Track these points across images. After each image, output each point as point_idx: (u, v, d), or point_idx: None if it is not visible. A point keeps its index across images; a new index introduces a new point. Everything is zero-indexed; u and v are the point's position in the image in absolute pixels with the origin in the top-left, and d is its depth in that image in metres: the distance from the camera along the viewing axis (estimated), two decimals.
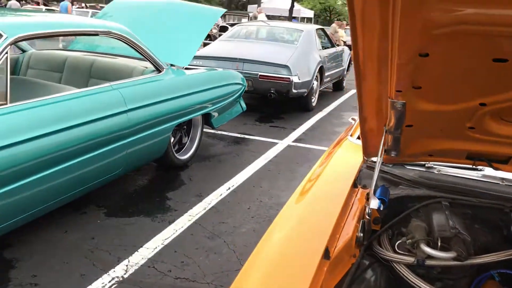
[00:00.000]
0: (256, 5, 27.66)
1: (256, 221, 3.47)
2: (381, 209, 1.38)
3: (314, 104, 7.69)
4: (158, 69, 3.93)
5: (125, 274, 2.65)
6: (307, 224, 1.46)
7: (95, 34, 3.36)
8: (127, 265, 2.74)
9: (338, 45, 9.98)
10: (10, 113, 2.54)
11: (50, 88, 3.21)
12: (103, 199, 3.59)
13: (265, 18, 14.33)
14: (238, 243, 3.11)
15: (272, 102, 7.47)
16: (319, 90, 7.93)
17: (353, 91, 10.32)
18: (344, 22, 19.02)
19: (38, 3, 24.83)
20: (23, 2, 34.33)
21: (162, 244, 3.01)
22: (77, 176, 2.96)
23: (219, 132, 5.76)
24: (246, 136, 5.81)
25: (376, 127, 1.39)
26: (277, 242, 1.39)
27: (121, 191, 3.81)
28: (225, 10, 5.56)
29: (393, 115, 1.24)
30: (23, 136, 2.53)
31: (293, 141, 5.75)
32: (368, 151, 1.63)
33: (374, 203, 1.36)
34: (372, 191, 1.40)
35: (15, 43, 2.65)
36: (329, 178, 1.82)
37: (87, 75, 4.03)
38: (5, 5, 22.03)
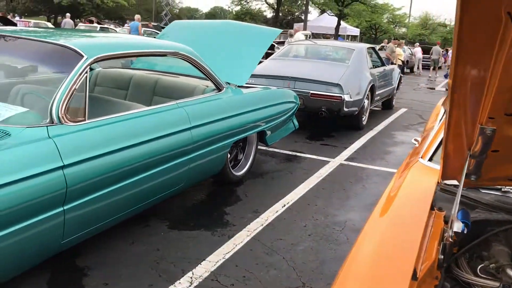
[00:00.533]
0: (303, 23, 27.88)
1: (313, 239, 3.49)
2: (465, 232, 1.40)
3: (364, 122, 7.66)
4: (218, 87, 4.06)
5: (190, 286, 2.74)
6: (392, 245, 1.48)
7: (164, 54, 3.53)
8: (191, 277, 2.82)
9: (395, 64, 9.99)
10: (88, 129, 2.71)
11: (120, 106, 3.38)
12: (165, 212, 3.72)
13: (302, 37, 14.37)
14: (297, 260, 3.15)
15: (322, 120, 7.49)
16: (370, 109, 7.90)
17: (403, 109, 10.21)
18: (403, 41, 19.01)
19: (91, 21, 25.94)
20: (77, 20, 35.99)
21: (223, 258, 3.09)
22: (144, 190, 3.09)
23: (271, 149, 5.84)
24: (298, 154, 5.86)
25: (459, 151, 1.41)
26: (364, 263, 1.42)
27: (181, 205, 3.93)
28: (281, 30, 5.67)
29: (481, 140, 1.26)
30: (99, 151, 2.69)
31: (345, 160, 5.75)
32: (446, 174, 1.65)
33: (458, 226, 1.37)
34: (455, 214, 1.41)
35: (93, 63, 2.82)
36: (405, 200, 1.84)
37: (151, 93, 4.22)
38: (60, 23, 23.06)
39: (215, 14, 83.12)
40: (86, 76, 2.76)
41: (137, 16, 17.40)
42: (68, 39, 3.06)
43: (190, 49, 3.76)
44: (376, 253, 1.44)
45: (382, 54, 11.52)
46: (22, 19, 26.13)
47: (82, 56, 2.75)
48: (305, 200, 4.28)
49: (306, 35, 22.99)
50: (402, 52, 15.12)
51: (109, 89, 4.32)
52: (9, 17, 23.16)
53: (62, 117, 2.58)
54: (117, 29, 24.46)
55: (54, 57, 2.95)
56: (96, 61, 2.84)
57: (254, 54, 4.84)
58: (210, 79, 3.96)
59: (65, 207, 2.51)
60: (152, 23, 27.99)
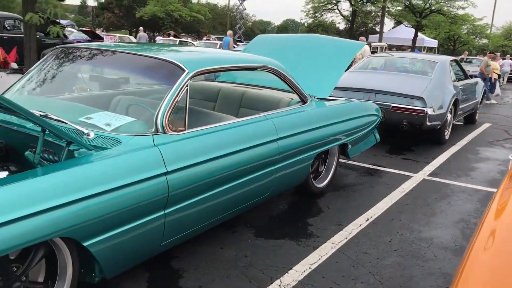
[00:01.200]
0: (378, 35, 27.44)
1: (400, 254, 3.44)
2: None
3: (447, 137, 7.41)
4: (303, 100, 4.14)
5: None
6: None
7: (255, 68, 3.67)
8: (279, 285, 2.89)
9: (490, 78, 9.66)
10: (188, 139, 2.87)
11: (213, 117, 3.55)
12: (250, 220, 3.83)
13: (368, 51, 14.06)
14: (384, 275, 3.12)
15: (401, 133, 7.33)
16: (452, 123, 7.63)
17: (487, 124, 9.74)
18: (498, 54, 18.29)
19: (169, 35, 27.08)
20: (156, 34, 37.73)
21: (309, 268, 3.13)
22: (234, 197, 3.22)
23: (350, 162, 5.81)
24: (378, 168, 5.78)
25: None
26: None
27: (265, 214, 4.03)
28: (365, 43, 5.67)
29: None
30: (197, 159, 2.84)
31: (428, 175, 5.59)
32: None
33: None
34: None
35: (194, 77, 3.00)
36: None
37: (238, 104, 4.38)
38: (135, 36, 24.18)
39: (287, 26, 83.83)
40: (187, 89, 2.93)
41: (229, 32, 18.27)
42: (170, 54, 3.27)
43: (278, 63, 3.87)
44: (496, 278, 1.40)
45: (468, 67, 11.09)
46: (107, 33, 27.85)
47: (184, 70, 2.94)
48: (388, 215, 4.22)
49: (382, 47, 22.59)
50: (497, 66, 14.48)
51: (199, 101, 4.53)
52: (97, 31, 24.80)
53: (166, 126, 2.76)
54: (195, 43, 25.39)
55: (158, 71, 3.16)
56: (196, 75, 3.01)
57: (337, 67, 4.88)
58: (295, 92, 4.05)
59: (166, 211, 2.68)
60: (213, 36, 28.73)
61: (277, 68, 3.80)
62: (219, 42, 22.42)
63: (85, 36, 17.88)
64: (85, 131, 2.58)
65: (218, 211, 3.15)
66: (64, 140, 2.36)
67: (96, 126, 2.71)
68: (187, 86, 2.93)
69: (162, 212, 2.66)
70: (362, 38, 16.92)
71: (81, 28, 23.47)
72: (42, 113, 2.61)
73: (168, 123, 2.79)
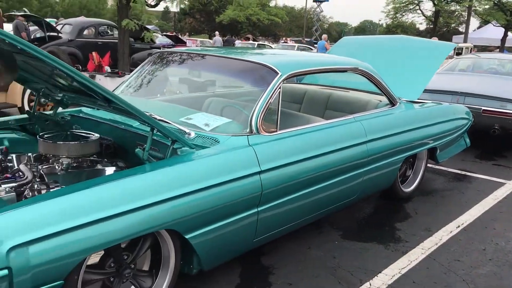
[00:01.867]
0: (462, 36, 26.14)
1: (495, 264, 3.29)
2: None
3: None
4: (392, 102, 4.08)
5: None
6: None
7: (345, 70, 3.68)
8: None
9: None
10: (280, 139, 2.95)
11: (301, 119, 3.61)
12: (336, 222, 3.84)
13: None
14: (479, 284, 3.01)
15: (492, 138, 6.95)
16: None
17: None
18: None
19: (248, 39, 27.55)
20: (234, 37, 38.60)
21: (399, 273, 3.09)
22: (322, 198, 3.25)
23: (437, 167, 5.61)
24: (468, 173, 5.54)
25: None
26: None
27: (352, 216, 4.02)
28: (456, 44, 5.46)
29: None
30: (288, 159, 2.91)
31: None
32: None
33: None
34: None
35: (286, 79, 3.07)
36: None
37: (324, 107, 4.40)
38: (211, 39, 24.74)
39: (364, 28, 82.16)
40: (280, 91, 3.01)
41: (324, 36, 18.82)
42: (263, 58, 3.38)
43: (368, 65, 3.85)
44: None
45: None
46: (190, 38, 28.88)
47: (277, 73, 3.02)
48: (481, 222, 4.05)
49: (467, 48, 21.49)
50: None
51: (285, 103, 4.61)
52: (181, 36, 25.81)
53: (260, 127, 2.86)
54: (273, 46, 25.64)
55: (251, 73, 3.28)
56: (289, 77, 3.09)
57: (427, 69, 4.76)
58: (385, 94, 4.00)
59: (259, 209, 2.77)
60: (306, 39, 28.71)
61: (367, 70, 3.78)
62: (296, 45, 22.49)
63: (169, 41, 18.67)
64: (187, 130, 2.74)
65: (307, 211, 3.20)
66: (169, 139, 2.52)
67: (196, 126, 2.86)
68: (279, 88, 3.01)
69: (256, 210, 2.75)
70: (435, 38, 16.26)
71: (164, 33, 24.54)
72: (147, 113, 2.80)
73: (262, 124, 2.88)
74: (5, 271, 1.77)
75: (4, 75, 2.23)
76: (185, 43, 20.13)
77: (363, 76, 3.81)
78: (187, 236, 2.42)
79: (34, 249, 1.84)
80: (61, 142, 2.73)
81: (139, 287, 2.45)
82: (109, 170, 2.76)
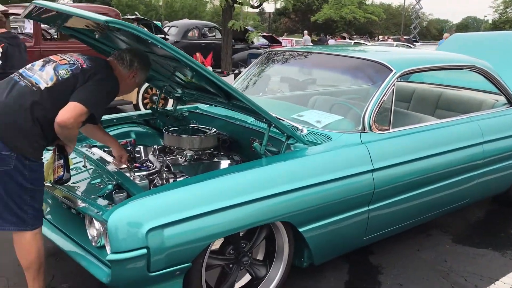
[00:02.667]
0: None
1: None
2: None
3: None
4: (511, 102, 3.84)
5: None
6: None
7: (460, 68, 3.54)
8: None
9: None
10: (393, 138, 2.92)
11: (413, 117, 3.53)
12: (446, 225, 3.71)
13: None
14: None
15: None
16: None
17: None
18: None
19: (344, 37, 27.15)
20: (329, 36, 38.24)
21: None
22: (433, 200, 3.15)
23: None
24: None
25: None
26: None
27: (463, 220, 3.86)
28: None
29: None
30: (400, 158, 2.86)
31: None
32: None
33: None
34: None
35: (400, 76, 3.03)
36: None
37: (434, 105, 4.25)
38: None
39: (467, 24, 77.27)
40: (393, 89, 2.98)
41: (445, 35, 18.35)
42: (377, 55, 3.36)
43: (485, 62, 3.67)
44: None
45: None
46: (285, 38, 29.15)
47: (391, 70, 2.99)
48: None
49: None
50: None
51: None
52: (278, 38, 26.13)
53: (373, 125, 2.85)
54: (368, 44, 25.07)
55: (365, 71, 3.28)
56: (403, 74, 3.04)
57: None
58: (503, 93, 3.78)
59: (370, 207, 2.77)
60: (405, 37, 27.71)
61: (484, 68, 3.60)
62: (395, 43, 21.75)
63: (265, 41, 19.03)
64: (299, 127, 2.81)
65: (417, 212, 3.13)
66: (285, 135, 2.61)
67: (308, 123, 2.93)
68: (393, 86, 2.98)
69: (367, 208, 2.75)
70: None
71: (260, 33, 25.00)
72: None
73: (375, 122, 2.87)
74: (144, 250, 1.97)
75: (143, 74, 2.46)
76: (280, 43, 20.36)
77: (480, 74, 3.63)
78: (300, 229, 2.49)
79: (168, 232, 2.02)
80: (185, 136, 2.94)
81: (254, 275, 2.57)
82: (226, 163, 2.92)
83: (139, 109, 6.84)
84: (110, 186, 2.35)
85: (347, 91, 3.95)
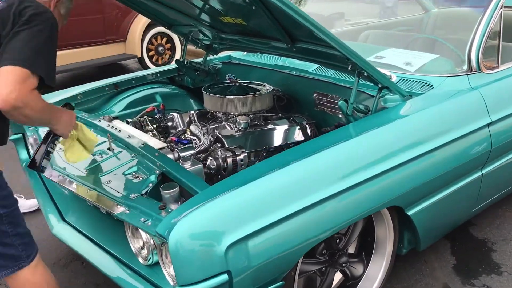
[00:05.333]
0: None
1: None
2: None
3: None
4: None
5: None
6: None
7: None
8: None
9: None
10: (504, 78, 2.23)
11: None
12: None
13: None
14: None
15: None
16: None
17: None
18: None
19: None
20: None
21: None
22: None
23: None
24: None
25: None
26: None
27: None
28: None
29: None
30: None
31: None
32: None
33: None
34: None
35: None
36: None
37: None
38: None
39: None
40: (501, 13, 2.25)
41: None
42: None
43: None
44: None
45: None
46: None
47: None
48: None
49: None
50: None
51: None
52: None
53: (481, 63, 2.15)
54: None
55: None
56: None
57: None
58: None
59: (483, 171, 2.13)
60: None
61: None
62: None
63: None
64: (388, 73, 2.10)
65: None
66: (379, 85, 1.91)
67: (394, 66, 2.22)
68: (501, 8, 2.25)
69: (480, 173, 2.12)
70: None
71: None
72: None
73: (483, 58, 2.17)
74: (225, 276, 1.33)
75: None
76: None
77: None
78: (409, 212, 1.86)
79: (253, 245, 1.37)
80: (232, 97, 2.23)
81: (350, 275, 1.95)
82: (293, 130, 2.24)
83: (146, 64, 6.05)
84: (152, 178, 1.68)
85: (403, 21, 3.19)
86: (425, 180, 1.83)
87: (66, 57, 5.20)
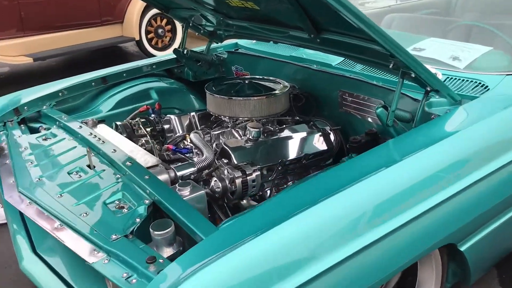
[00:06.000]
0: None
1: None
2: None
3: None
4: None
5: None
6: None
7: None
8: None
9: None
10: None
11: None
12: None
13: None
14: None
15: None
16: None
17: None
18: None
19: None
20: None
21: None
22: None
23: None
24: None
25: None
26: None
27: None
28: None
29: None
30: None
31: None
32: None
33: None
34: None
35: None
36: None
37: None
38: None
39: None
40: None
41: None
42: None
43: None
44: None
45: None
46: None
47: None
48: None
49: None
50: None
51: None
52: None
53: None
54: None
55: None
56: None
57: None
58: None
59: None
60: None
61: None
62: None
63: None
64: (433, 70, 1.69)
65: None
66: (428, 89, 1.52)
67: (439, 62, 1.83)
68: None
69: None
70: None
71: None
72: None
73: None
74: None
75: None
76: None
77: None
78: (462, 248, 1.49)
79: None
80: (240, 98, 1.84)
81: None
82: (314, 137, 1.86)
83: (144, 48, 5.63)
84: (141, 210, 1.31)
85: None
86: (484, 209, 1.46)
87: (57, 40, 4.76)
